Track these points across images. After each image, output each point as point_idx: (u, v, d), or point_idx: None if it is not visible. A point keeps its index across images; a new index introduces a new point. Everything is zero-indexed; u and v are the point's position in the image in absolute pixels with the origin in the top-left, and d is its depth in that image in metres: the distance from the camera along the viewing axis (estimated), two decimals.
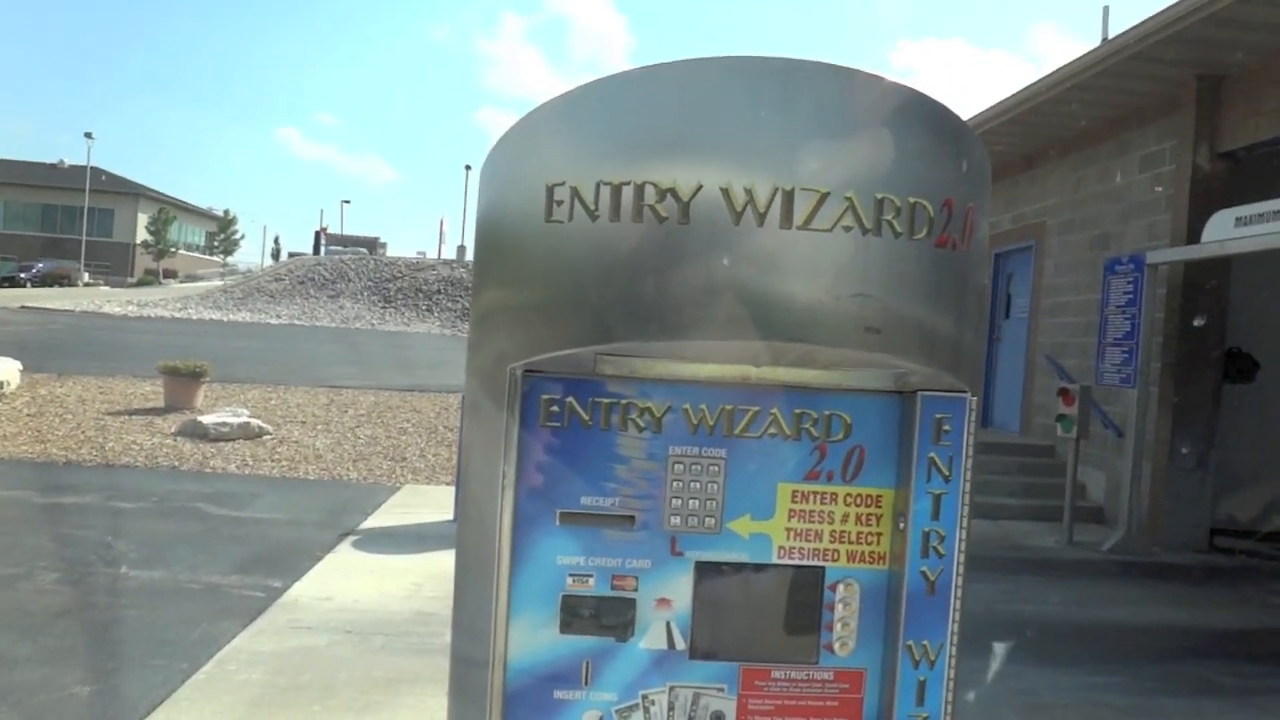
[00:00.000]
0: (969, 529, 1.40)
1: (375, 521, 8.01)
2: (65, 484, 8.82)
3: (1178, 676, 5.51)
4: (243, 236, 79.29)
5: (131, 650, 4.85)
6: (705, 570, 1.42)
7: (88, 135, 62.43)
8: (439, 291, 31.63)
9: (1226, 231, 7.15)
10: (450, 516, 7.86)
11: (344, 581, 6.20)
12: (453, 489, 8.49)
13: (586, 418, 1.38)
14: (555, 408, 1.37)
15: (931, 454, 1.37)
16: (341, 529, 7.64)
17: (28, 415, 11.49)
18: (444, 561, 6.36)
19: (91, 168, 62.47)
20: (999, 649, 5.65)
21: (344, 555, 6.89)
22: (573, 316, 1.28)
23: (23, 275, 49.61)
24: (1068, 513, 8.41)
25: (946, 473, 1.38)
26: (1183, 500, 8.51)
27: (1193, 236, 8.20)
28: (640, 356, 1.29)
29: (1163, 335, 8.50)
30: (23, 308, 29.08)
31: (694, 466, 1.40)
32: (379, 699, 4.37)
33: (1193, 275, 8.41)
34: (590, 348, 1.26)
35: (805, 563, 1.43)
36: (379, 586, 6.10)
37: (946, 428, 1.37)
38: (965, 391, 1.36)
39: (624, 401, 1.38)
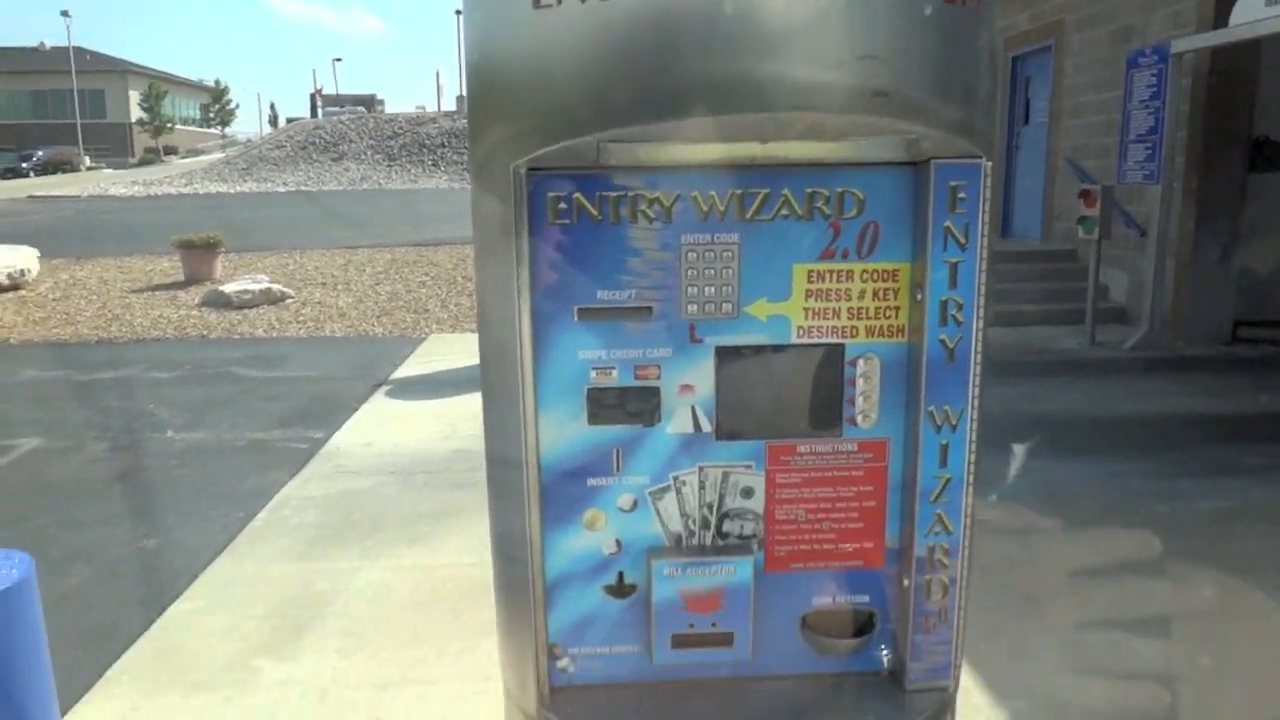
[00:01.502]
0: (987, 297, 1.41)
1: (405, 371, 8.17)
2: (101, 361, 9.02)
3: (1198, 461, 5.65)
4: (237, 106, 77.68)
5: (189, 505, 5.08)
6: (725, 355, 1.45)
7: (64, 14, 60.24)
8: (443, 145, 31.05)
9: (1256, 12, 6.81)
10: (478, 362, 8.00)
11: (382, 428, 6.39)
12: (477, 336, 8.60)
13: (595, 213, 1.38)
14: (563, 205, 1.37)
15: (947, 223, 1.36)
16: (373, 380, 7.81)
17: (54, 300, 11.63)
18: (476, 404, 6.47)
19: (74, 48, 60.67)
20: (1021, 445, 5.79)
21: (379, 404, 7.08)
22: (572, 105, 1.26)
23: (24, 165, 49.08)
24: (1090, 314, 8.42)
25: (963, 240, 1.37)
26: (1206, 294, 8.48)
27: (1220, 21, 7.82)
28: (644, 141, 1.27)
29: (1187, 128, 8.26)
30: (30, 197, 28.94)
31: (707, 254, 1.41)
32: (426, 530, 4.59)
33: (1219, 63, 8.08)
34: (593, 136, 1.24)
35: (824, 340, 1.46)
36: (415, 430, 6.29)
37: (961, 195, 1.35)
38: (979, 156, 1.34)
39: (632, 193, 1.37)
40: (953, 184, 1.34)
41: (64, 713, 3.14)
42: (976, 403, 1.44)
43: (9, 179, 45.16)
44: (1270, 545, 4.49)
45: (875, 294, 1.44)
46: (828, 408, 1.49)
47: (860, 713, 1.55)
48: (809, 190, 1.38)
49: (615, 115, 1.21)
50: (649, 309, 1.42)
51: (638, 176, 1.36)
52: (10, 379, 8.41)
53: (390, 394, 7.42)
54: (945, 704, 1.59)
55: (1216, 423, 6.54)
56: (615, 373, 1.44)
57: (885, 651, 1.59)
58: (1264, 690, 3.24)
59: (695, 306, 1.42)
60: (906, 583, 1.53)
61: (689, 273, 1.41)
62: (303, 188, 28.25)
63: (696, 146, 1.28)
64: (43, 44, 63.68)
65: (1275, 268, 8.53)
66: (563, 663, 1.56)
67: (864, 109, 1.19)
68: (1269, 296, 8.58)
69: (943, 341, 1.41)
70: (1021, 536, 4.53)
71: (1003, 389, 6.96)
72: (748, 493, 1.52)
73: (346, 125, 33.93)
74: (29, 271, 12.26)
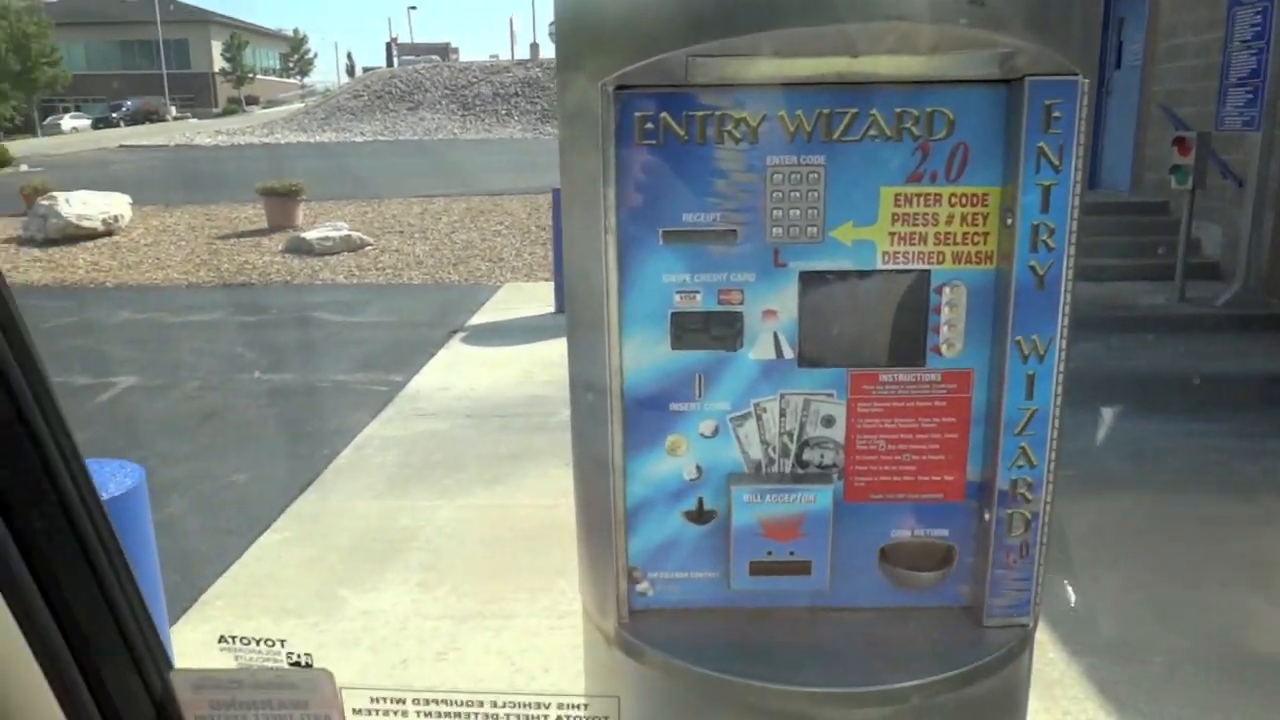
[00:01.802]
0: (1079, 221, 1.37)
1: (481, 318, 8.29)
2: (191, 304, 9.35)
3: None
4: (315, 55, 78.81)
5: (276, 442, 5.28)
6: (809, 280, 1.43)
7: None
8: (517, 94, 31.06)
9: None
10: (552, 309, 8.08)
11: (459, 373, 6.51)
12: (551, 285, 8.68)
13: (682, 132, 1.37)
14: (650, 124, 1.36)
15: (1041, 143, 1.32)
16: (450, 327, 7.95)
17: (145, 245, 12.05)
18: (550, 350, 6.60)
19: None
20: (1105, 402, 5.64)
21: (456, 350, 7.21)
22: (660, 19, 1.25)
23: (114, 115, 50.66)
24: (1180, 269, 8.09)
25: (1057, 163, 1.33)
26: None
27: None
28: (732, 55, 1.25)
29: None
30: (121, 146, 29.87)
31: (793, 175, 1.39)
32: (505, 471, 4.69)
33: None
34: (680, 50, 1.23)
35: (910, 266, 1.43)
36: (492, 375, 6.40)
37: (1056, 114, 1.31)
38: (1076, 74, 1.29)
39: (719, 113, 1.36)
40: (1047, 102, 1.30)
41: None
42: (1066, 333, 1.41)
43: (100, 128, 46.69)
44: None
45: (963, 219, 1.41)
46: (911, 336, 1.47)
47: (937, 646, 1.54)
48: (898, 110, 1.35)
49: (704, 28, 1.20)
50: (733, 232, 1.41)
51: (724, 95, 1.34)
52: (107, 320, 8.77)
53: (466, 340, 7.54)
54: (1024, 640, 1.58)
55: None
56: (699, 297, 1.44)
57: (964, 587, 1.58)
58: None
59: (780, 230, 1.41)
60: (987, 516, 1.51)
61: (774, 195, 1.39)
62: (379, 137, 28.61)
63: (784, 61, 1.26)
64: None
65: None
66: (642, 586, 1.58)
67: (958, 19, 1.15)
68: None
69: (1032, 268, 1.37)
70: (1102, 493, 4.43)
71: (1087, 344, 6.76)
72: (828, 421, 1.51)
73: (422, 74, 34.13)
74: (122, 218, 12.70)
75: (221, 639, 0.83)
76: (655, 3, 1.24)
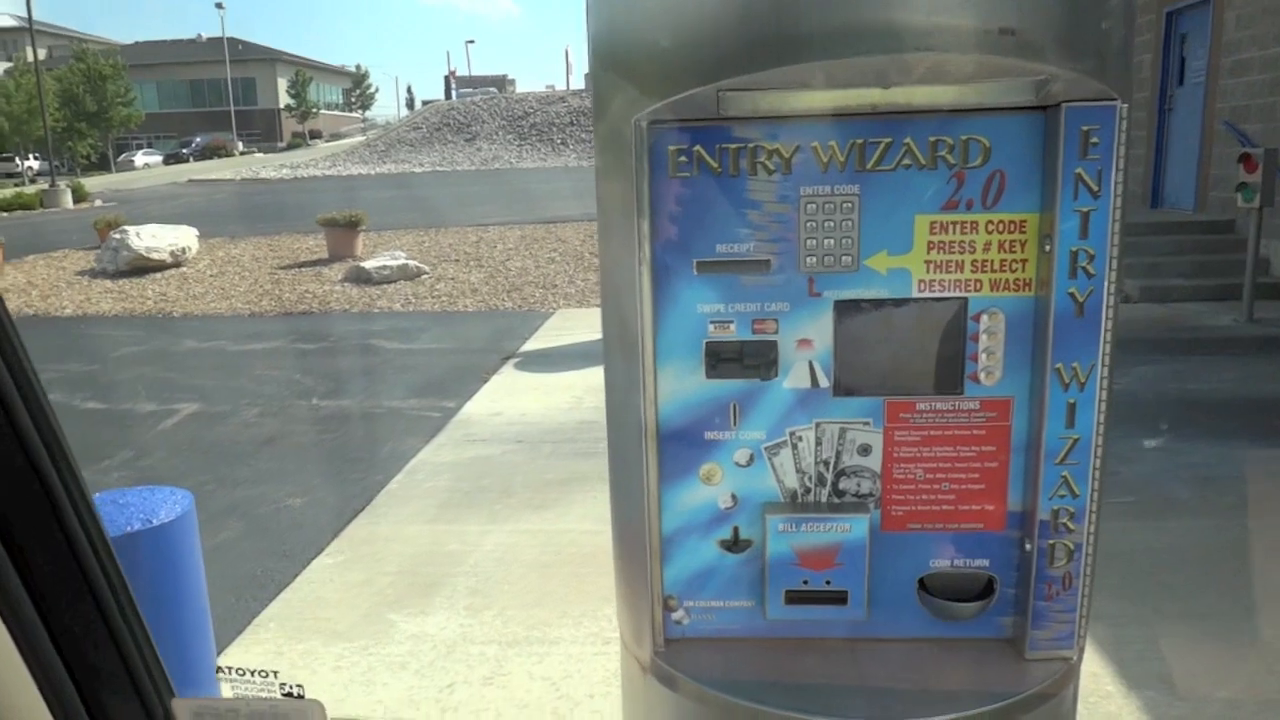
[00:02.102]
0: (1121, 248, 1.34)
1: (533, 345, 8.37)
2: (252, 332, 9.59)
3: None
4: (377, 90, 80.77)
5: (331, 467, 5.37)
6: (844, 309, 1.43)
7: (218, 5, 63.84)
8: (571, 124, 31.43)
9: None
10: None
11: (510, 399, 6.58)
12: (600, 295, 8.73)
13: (715, 164, 1.38)
14: (683, 158, 1.38)
15: (1078, 169, 1.30)
16: (503, 353, 8.04)
17: (210, 276, 12.41)
18: (601, 376, 6.60)
19: (228, 38, 64.14)
20: (1168, 425, 5.49)
21: (508, 376, 7.28)
22: (692, 54, 1.26)
23: (184, 150, 52.43)
24: (1248, 289, 7.88)
25: (1095, 188, 1.31)
26: None
27: None
28: (764, 89, 1.26)
29: None
30: (190, 181, 30.86)
31: (827, 205, 1.39)
32: (553, 496, 4.71)
33: None
34: (712, 85, 1.24)
35: (947, 294, 1.42)
36: (543, 401, 6.45)
37: (1094, 140, 1.29)
38: (1114, 99, 1.28)
39: (751, 145, 1.37)
40: (1085, 128, 1.28)
41: (219, 652, 3.39)
42: (1108, 360, 1.38)
43: (171, 164, 48.33)
44: None
45: (1001, 245, 1.40)
46: (949, 364, 1.45)
47: (978, 678, 1.52)
48: (932, 138, 1.35)
49: (734, 62, 1.21)
50: (767, 262, 1.42)
51: (757, 127, 1.35)
52: (172, 349, 9.03)
53: (519, 366, 7.62)
54: (1068, 674, 1.54)
55: None
56: (734, 326, 1.45)
57: (1005, 618, 1.55)
58: None
59: (814, 259, 1.41)
60: (1029, 546, 1.48)
61: (808, 225, 1.40)
62: (438, 168, 29.14)
63: (816, 94, 1.27)
64: (199, 36, 67.61)
65: None
66: (677, 615, 1.58)
67: (990, 48, 1.15)
68: None
69: (1072, 295, 1.35)
70: (1164, 521, 4.30)
71: (1149, 367, 6.60)
72: (865, 450, 1.50)
73: (479, 106, 34.75)
74: (189, 249, 13.11)
75: (219, 669, 0.85)
76: (684, 39, 1.26)
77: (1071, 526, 1.45)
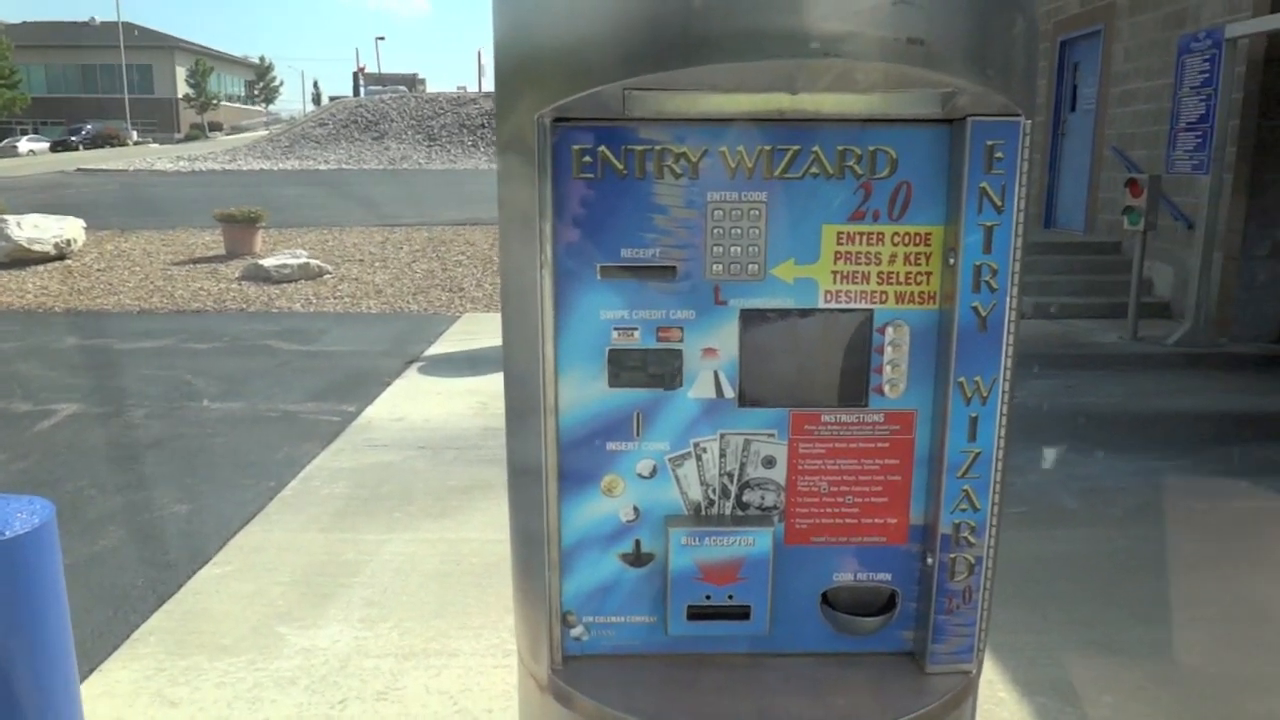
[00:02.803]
0: (1022, 263, 1.35)
1: (438, 349, 8.20)
2: (141, 330, 9.15)
3: (1240, 460, 5.51)
4: (281, 83, 78.73)
5: (221, 473, 5.14)
6: (750, 318, 1.41)
7: None
8: (482, 126, 31.12)
9: None
10: None
11: (413, 404, 6.42)
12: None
13: (621, 167, 1.34)
14: (588, 158, 1.33)
15: (983, 183, 1.31)
16: (407, 357, 7.85)
17: (98, 270, 11.82)
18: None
19: (123, 23, 61.59)
20: (1057, 439, 5.68)
21: (411, 380, 7.11)
22: (596, 51, 1.22)
23: (73, 138, 50.06)
24: (1133, 308, 8.24)
25: (999, 203, 1.32)
26: (1254, 290, 8.27)
27: (1277, 6, 7.60)
28: (669, 89, 1.23)
29: (1240, 117, 8.04)
30: (78, 170, 29.44)
31: (734, 212, 1.36)
32: (455, 504, 4.60)
33: (1276, 49, 7.85)
34: (618, 83, 1.20)
35: (853, 305, 1.41)
36: (447, 407, 6.32)
37: (999, 154, 1.30)
38: (1018, 114, 1.29)
39: (658, 147, 1.33)
40: (989, 143, 1.29)
41: (93, 669, 3.19)
42: (1009, 374, 1.39)
43: (58, 151, 46.07)
44: None
45: (906, 258, 1.39)
46: (854, 376, 1.44)
47: (879, 694, 1.51)
48: (840, 148, 1.33)
49: (639, 60, 1.17)
50: (673, 269, 1.38)
51: (664, 129, 1.32)
52: (53, 346, 8.56)
53: (423, 370, 7.45)
54: (967, 687, 1.54)
55: (1260, 422, 6.38)
56: (638, 334, 1.41)
57: (906, 632, 1.55)
58: None
59: (720, 267, 1.38)
60: (930, 560, 1.48)
61: (715, 231, 1.37)
62: (344, 166, 28.47)
63: (723, 96, 1.24)
64: (93, 19, 64.79)
65: None
66: (576, 631, 1.53)
67: (898, 58, 1.14)
68: None
69: (975, 309, 1.36)
70: (1054, 530, 4.44)
71: (1040, 381, 6.83)
72: (769, 462, 1.48)
73: (388, 104, 34.09)
74: (75, 242, 12.46)
75: None
76: (590, 35, 1.21)
77: (972, 540, 1.45)
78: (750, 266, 1.39)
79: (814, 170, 1.35)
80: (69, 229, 12.48)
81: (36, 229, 12.08)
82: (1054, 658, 3.29)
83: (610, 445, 1.45)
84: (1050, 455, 5.47)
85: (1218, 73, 7.56)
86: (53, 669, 1.50)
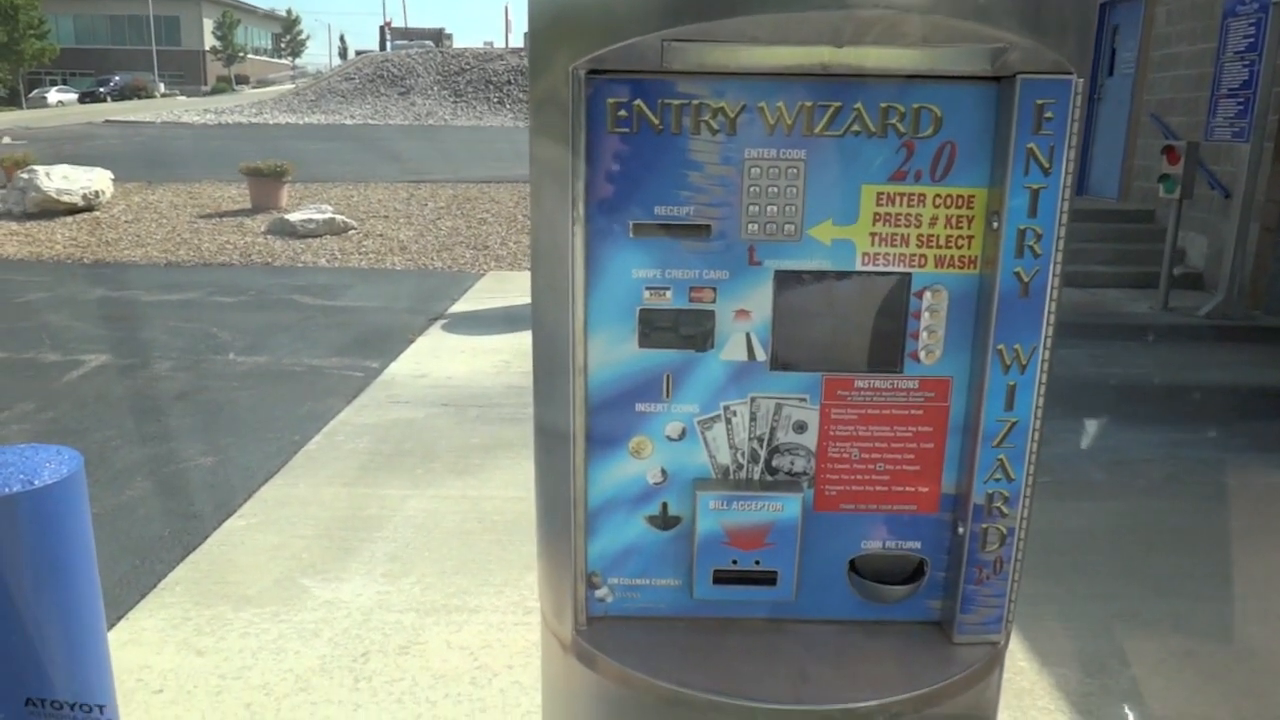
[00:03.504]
0: (1068, 228, 1.31)
1: (462, 306, 8.20)
2: (168, 283, 9.21)
3: (1269, 434, 5.43)
4: (308, 37, 78.44)
5: (246, 426, 5.18)
6: (785, 280, 1.37)
7: None
8: (509, 83, 30.85)
9: None
10: None
11: (437, 361, 6.43)
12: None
13: (656, 121, 1.30)
14: (623, 112, 1.29)
15: (1031, 144, 1.26)
16: (431, 314, 7.86)
17: (125, 222, 11.88)
18: (530, 340, 6.50)
19: None
20: (1083, 410, 5.62)
21: (435, 337, 7.12)
22: (635, 2, 1.18)
23: (102, 90, 50.16)
24: (1165, 278, 8.10)
25: (1046, 165, 1.27)
26: None
27: None
28: (710, 41, 1.19)
29: None
30: (107, 122, 29.51)
31: (771, 170, 1.32)
32: (477, 462, 4.62)
33: None
34: (656, 34, 1.16)
35: (891, 269, 1.37)
36: (470, 364, 6.32)
37: (1049, 114, 1.25)
38: (1070, 73, 1.24)
39: (695, 102, 1.29)
40: (1039, 102, 1.24)
41: (120, 617, 3.24)
42: (1050, 342, 1.35)
43: (86, 103, 46.21)
44: None
45: (948, 221, 1.35)
46: (890, 341, 1.41)
47: (905, 663, 1.49)
48: (883, 105, 1.29)
49: (679, 11, 1.13)
50: (707, 227, 1.35)
51: (702, 83, 1.28)
52: (82, 297, 8.63)
53: (447, 327, 7.45)
54: (994, 658, 1.53)
55: None
56: (669, 294, 1.38)
57: (934, 601, 1.53)
58: None
59: (756, 226, 1.35)
60: (961, 530, 1.46)
61: (751, 190, 1.33)
62: (370, 121, 28.37)
63: (765, 49, 1.20)
64: None
65: None
66: (601, 592, 1.52)
67: (949, 10, 1.09)
68: None
69: (1017, 274, 1.32)
70: (1079, 502, 4.40)
71: (1068, 350, 6.74)
72: (800, 427, 1.45)
73: (414, 59, 33.83)
74: (103, 193, 12.52)
75: (29, 701, 0.76)
76: None
77: (1005, 511, 1.43)
78: (787, 226, 1.35)
79: (855, 128, 1.31)
80: (97, 180, 12.53)
81: (65, 180, 12.14)
82: (1076, 629, 3.27)
83: (639, 406, 1.43)
84: (1077, 426, 5.41)
85: (1263, 37, 7.35)
86: (81, 617, 1.51)
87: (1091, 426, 5.45)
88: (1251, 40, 7.48)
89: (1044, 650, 3.12)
